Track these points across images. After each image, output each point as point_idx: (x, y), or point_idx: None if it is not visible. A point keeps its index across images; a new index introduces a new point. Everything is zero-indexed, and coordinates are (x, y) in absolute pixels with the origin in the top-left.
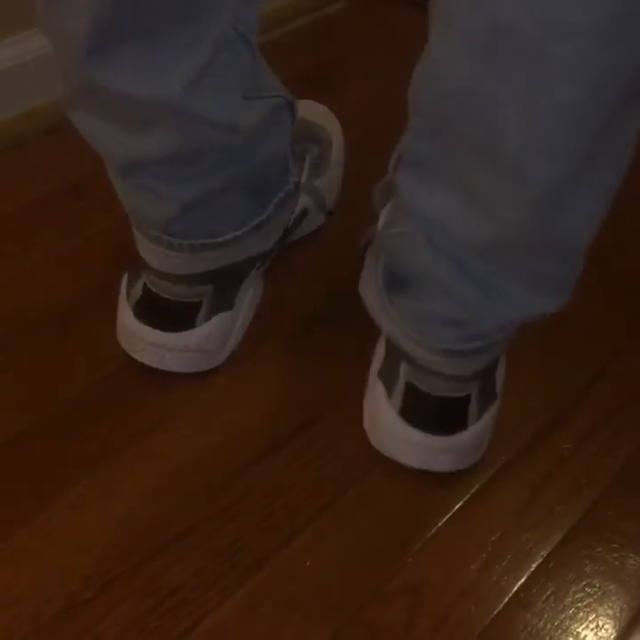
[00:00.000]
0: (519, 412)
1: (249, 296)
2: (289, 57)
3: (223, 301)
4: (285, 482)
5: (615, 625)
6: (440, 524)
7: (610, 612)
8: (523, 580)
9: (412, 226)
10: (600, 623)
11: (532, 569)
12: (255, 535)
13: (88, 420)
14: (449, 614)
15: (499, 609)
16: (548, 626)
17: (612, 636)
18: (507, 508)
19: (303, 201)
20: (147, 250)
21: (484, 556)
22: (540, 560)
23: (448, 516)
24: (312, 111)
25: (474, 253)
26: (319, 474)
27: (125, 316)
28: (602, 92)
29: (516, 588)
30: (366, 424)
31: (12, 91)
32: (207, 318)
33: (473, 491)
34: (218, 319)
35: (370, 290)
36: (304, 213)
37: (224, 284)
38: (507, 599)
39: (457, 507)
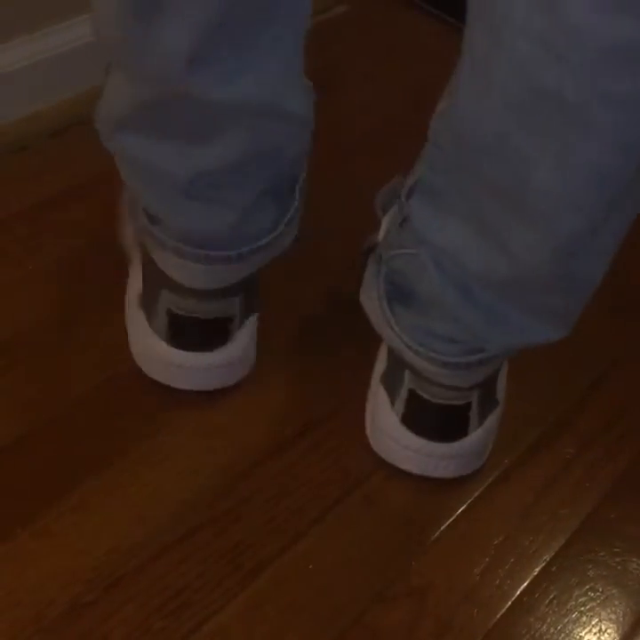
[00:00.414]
0: (522, 416)
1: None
2: None
3: (251, 304)
4: (288, 485)
5: (618, 629)
6: (443, 527)
7: (612, 617)
8: (526, 583)
9: (422, 252)
10: (603, 627)
11: (535, 573)
12: (258, 537)
13: (92, 423)
14: (452, 618)
15: (502, 613)
16: (551, 630)
17: None
18: (510, 512)
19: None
20: (184, 272)
21: (487, 559)
22: (543, 564)
23: (451, 519)
24: None
25: (484, 285)
26: (322, 477)
27: (156, 346)
28: (635, 154)
29: (518, 592)
30: (368, 430)
31: (15, 94)
32: (241, 325)
33: (476, 494)
34: (250, 323)
35: (371, 299)
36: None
37: (251, 286)
38: (510, 603)
39: (460, 510)
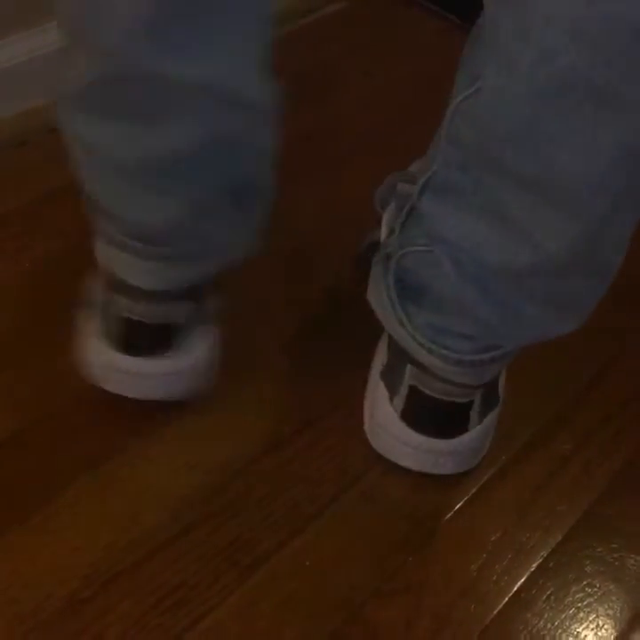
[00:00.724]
0: (519, 413)
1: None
2: (290, 56)
3: (204, 314)
4: (286, 481)
5: (615, 625)
6: (440, 523)
7: (610, 612)
8: (523, 579)
9: (437, 249)
10: (600, 623)
11: (533, 569)
12: (255, 534)
13: (88, 419)
14: (449, 614)
15: (499, 608)
16: (548, 625)
17: (612, 636)
18: (507, 508)
19: None
20: (134, 269)
21: (485, 555)
22: (541, 560)
23: (448, 515)
24: None
25: (502, 279)
26: (320, 473)
27: (103, 351)
28: None
29: (516, 588)
30: (366, 425)
31: (14, 89)
32: (191, 335)
33: (474, 490)
34: (202, 333)
35: (380, 299)
36: None
37: (204, 294)
38: (507, 599)
39: (457, 506)
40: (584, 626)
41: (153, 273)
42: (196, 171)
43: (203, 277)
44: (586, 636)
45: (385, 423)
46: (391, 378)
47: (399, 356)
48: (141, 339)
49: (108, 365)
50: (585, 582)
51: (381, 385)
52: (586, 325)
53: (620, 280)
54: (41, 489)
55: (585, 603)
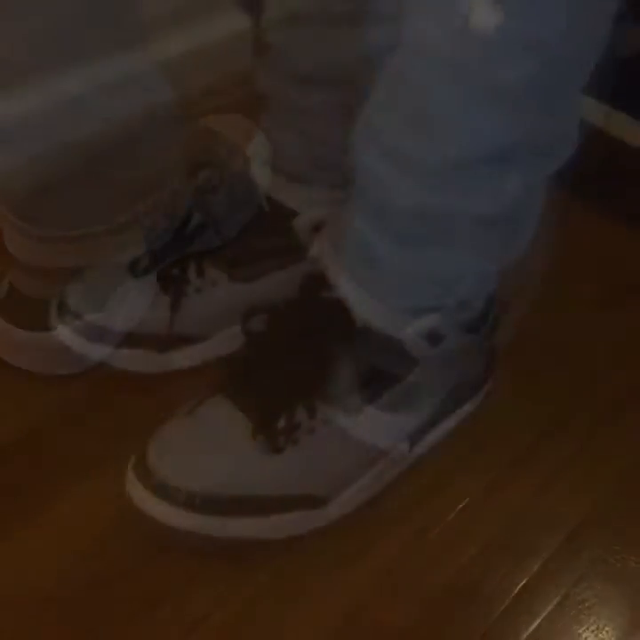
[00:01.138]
0: (521, 413)
1: (127, 300)
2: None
3: (91, 303)
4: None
5: (616, 627)
6: (442, 525)
7: (611, 615)
8: (524, 581)
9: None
10: (601, 625)
11: (534, 571)
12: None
13: (96, 421)
14: (451, 615)
15: (501, 610)
16: (550, 628)
17: (613, 638)
18: (509, 510)
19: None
20: (11, 241)
21: (487, 557)
22: (542, 562)
23: (450, 517)
24: (232, 128)
25: (412, 220)
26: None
27: None
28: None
29: (517, 590)
30: None
31: None
32: (64, 318)
33: (475, 492)
34: (76, 322)
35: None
36: (202, 226)
37: (93, 285)
38: (509, 601)
39: (459, 507)
40: (585, 628)
41: (26, 248)
42: (43, 149)
43: (73, 263)
44: (587, 637)
45: None
46: None
47: None
48: (17, 307)
49: None
50: (586, 584)
51: None
52: (584, 324)
53: (620, 279)
54: (47, 490)
55: (586, 605)
